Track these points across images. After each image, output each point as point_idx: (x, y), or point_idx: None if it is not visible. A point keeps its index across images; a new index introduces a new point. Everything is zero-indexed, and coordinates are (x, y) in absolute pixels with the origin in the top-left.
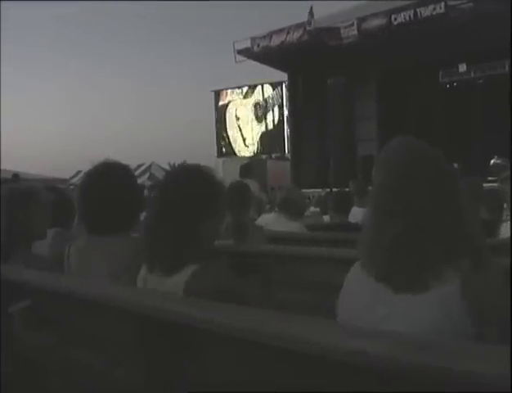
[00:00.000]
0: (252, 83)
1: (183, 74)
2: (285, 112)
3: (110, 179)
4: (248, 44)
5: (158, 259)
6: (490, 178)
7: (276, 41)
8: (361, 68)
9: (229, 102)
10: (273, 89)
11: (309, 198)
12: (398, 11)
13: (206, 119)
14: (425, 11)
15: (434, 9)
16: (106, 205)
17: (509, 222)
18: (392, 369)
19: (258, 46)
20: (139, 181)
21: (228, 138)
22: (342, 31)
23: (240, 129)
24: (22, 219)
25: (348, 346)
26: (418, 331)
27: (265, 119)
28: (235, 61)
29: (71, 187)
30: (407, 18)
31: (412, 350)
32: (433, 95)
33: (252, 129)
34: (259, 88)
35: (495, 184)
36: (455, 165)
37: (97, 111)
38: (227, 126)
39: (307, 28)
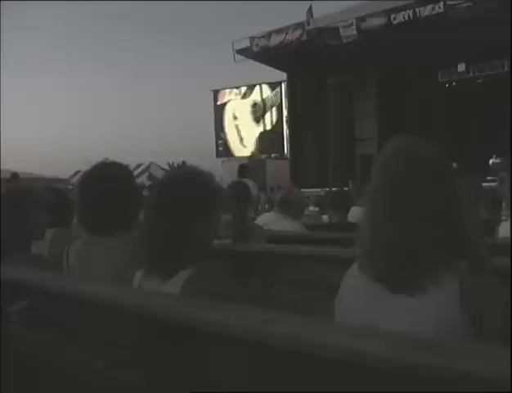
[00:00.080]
0: (251, 82)
1: (182, 73)
2: (284, 112)
3: (108, 179)
4: (247, 44)
5: (153, 263)
6: (489, 178)
7: (275, 41)
8: (360, 68)
9: (227, 102)
10: (272, 90)
11: (308, 197)
12: (397, 10)
13: (205, 118)
14: (424, 11)
15: (433, 9)
16: (105, 205)
17: (506, 221)
18: (392, 369)
19: (257, 45)
20: (138, 181)
21: (226, 138)
22: (341, 31)
23: (238, 129)
24: (21, 218)
25: (348, 346)
26: (415, 332)
27: (263, 119)
28: (235, 61)
29: (70, 186)
30: (406, 18)
31: (412, 350)
32: (432, 94)
33: (250, 129)
34: (257, 88)
35: (493, 184)
36: (454, 165)
37: (96, 111)
38: (225, 126)
39: (307, 28)
